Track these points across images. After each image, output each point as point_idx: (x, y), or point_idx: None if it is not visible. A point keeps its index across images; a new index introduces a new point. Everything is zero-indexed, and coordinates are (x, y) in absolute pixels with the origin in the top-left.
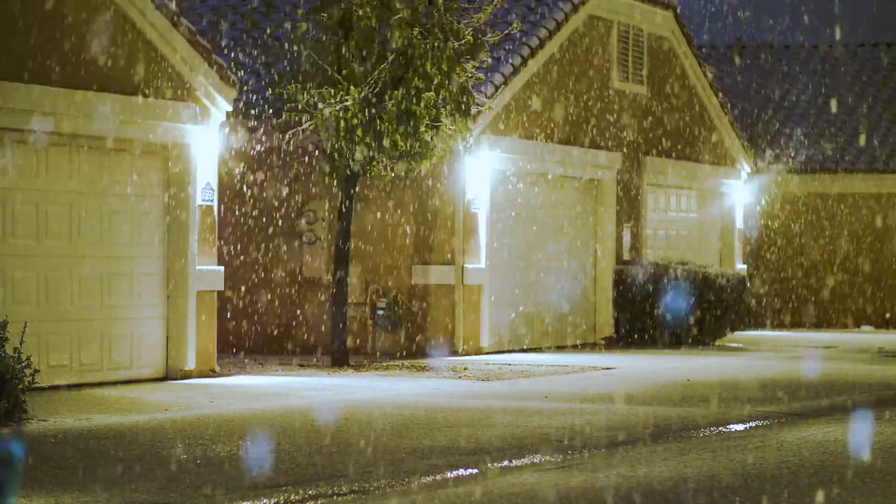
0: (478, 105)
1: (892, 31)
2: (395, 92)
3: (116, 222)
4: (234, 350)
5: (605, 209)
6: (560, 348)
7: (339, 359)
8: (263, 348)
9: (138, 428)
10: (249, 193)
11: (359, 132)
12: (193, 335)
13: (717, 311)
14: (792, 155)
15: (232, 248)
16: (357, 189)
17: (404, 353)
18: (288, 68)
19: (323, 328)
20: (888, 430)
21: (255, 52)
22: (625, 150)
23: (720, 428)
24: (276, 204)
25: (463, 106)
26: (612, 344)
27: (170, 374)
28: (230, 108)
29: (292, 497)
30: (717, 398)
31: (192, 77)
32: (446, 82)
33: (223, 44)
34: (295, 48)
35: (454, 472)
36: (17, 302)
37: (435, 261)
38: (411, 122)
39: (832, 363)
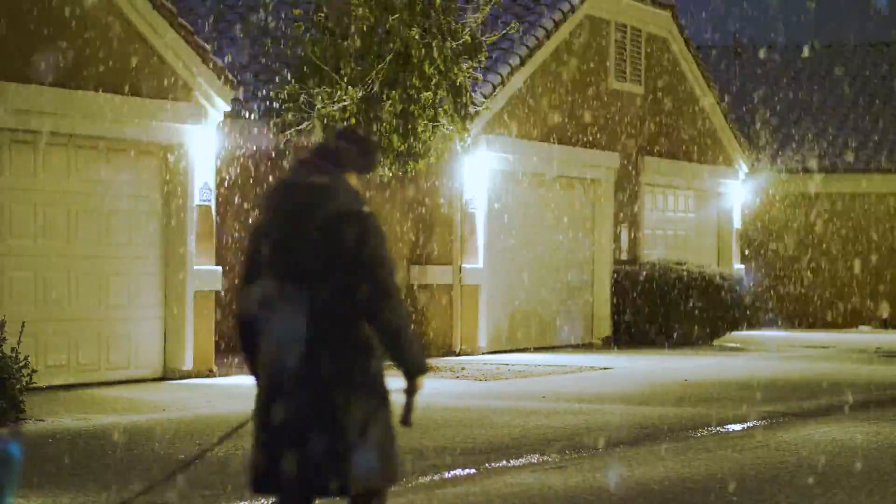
0: (475, 105)
1: (891, 31)
2: (393, 92)
3: (114, 222)
4: (232, 350)
5: (602, 209)
6: (558, 348)
7: None
8: None
9: (136, 428)
10: (247, 193)
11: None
12: (191, 335)
13: (714, 311)
14: (789, 155)
15: (230, 248)
16: None
17: None
18: (286, 68)
19: None
20: (886, 429)
21: (253, 52)
22: (622, 150)
23: (718, 428)
24: None
25: (461, 106)
26: (609, 344)
27: (167, 375)
28: (228, 108)
29: None
30: (715, 398)
31: (189, 77)
32: (444, 82)
33: (221, 43)
34: (293, 48)
35: (452, 472)
36: (15, 302)
37: (433, 261)
38: (409, 122)
39: (830, 363)
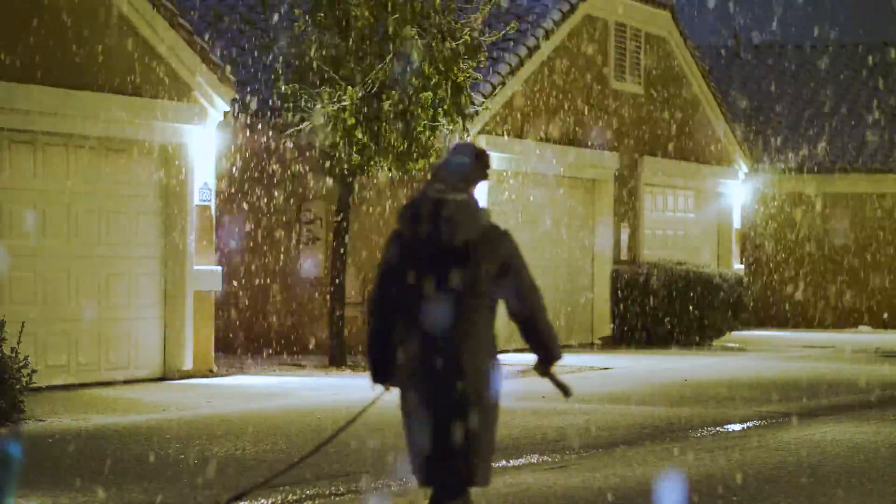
0: (475, 105)
1: (891, 31)
2: (393, 92)
3: (114, 222)
4: (232, 350)
5: (602, 209)
6: None
7: (337, 359)
8: (261, 348)
9: (136, 428)
10: (247, 193)
11: (356, 132)
12: (191, 335)
13: (714, 311)
14: (789, 155)
15: (229, 248)
16: (354, 189)
17: None
18: (285, 68)
19: (321, 328)
20: (886, 429)
21: (253, 52)
22: (622, 150)
23: (718, 428)
24: (274, 204)
25: (460, 106)
26: (609, 344)
27: (167, 375)
28: (228, 108)
29: (290, 497)
30: (715, 398)
31: (189, 77)
32: (444, 82)
33: (221, 43)
34: (292, 48)
35: None
36: (15, 302)
37: None
38: (408, 123)
39: (830, 363)
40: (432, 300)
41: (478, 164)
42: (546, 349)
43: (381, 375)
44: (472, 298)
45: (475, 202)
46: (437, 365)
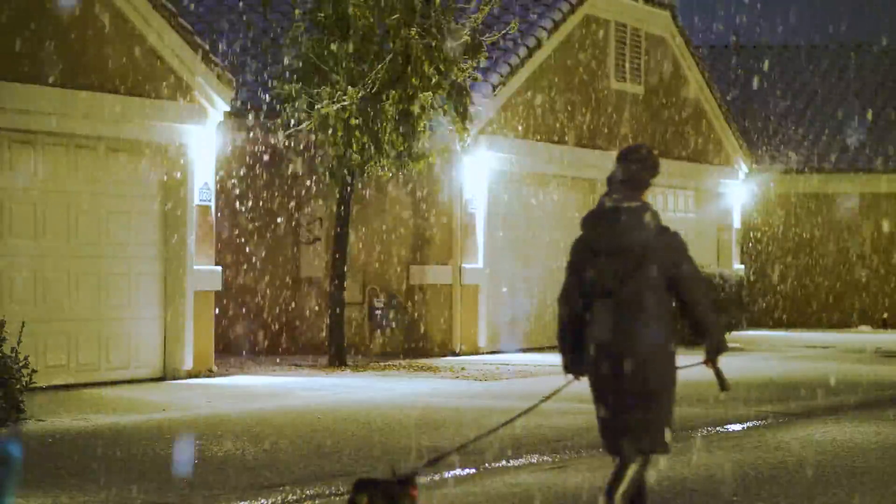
0: (475, 105)
1: (890, 32)
2: (393, 92)
3: (114, 222)
4: (232, 350)
5: None
6: (558, 348)
7: (337, 359)
8: (261, 348)
9: (136, 428)
10: (247, 193)
11: (356, 132)
12: (191, 335)
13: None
14: (789, 155)
15: (230, 248)
16: (354, 189)
17: (402, 353)
18: (286, 68)
19: (321, 328)
20: (885, 430)
21: (253, 52)
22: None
23: (718, 428)
24: (274, 204)
25: (461, 106)
26: None
27: (167, 375)
28: (228, 108)
29: (290, 497)
30: (715, 398)
31: (189, 77)
32: (444, 82)
33: (221, 43)
34: (293, 48)
35: (452, 472)
36: (15, 302)
37: (432, 261)
38: (409, 123)
39: (830, 363)
40: (611, 296)
41: (645, 168)
42: (710, 342)
43: (572, 365)
44: (647, 293)
45: (646, 207)
46: (616, 351)
